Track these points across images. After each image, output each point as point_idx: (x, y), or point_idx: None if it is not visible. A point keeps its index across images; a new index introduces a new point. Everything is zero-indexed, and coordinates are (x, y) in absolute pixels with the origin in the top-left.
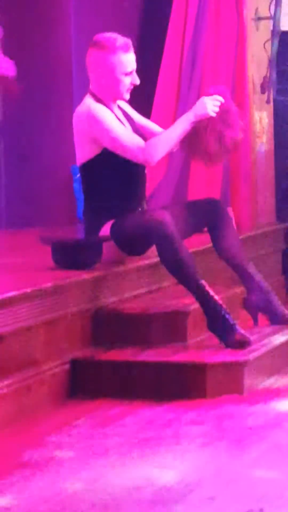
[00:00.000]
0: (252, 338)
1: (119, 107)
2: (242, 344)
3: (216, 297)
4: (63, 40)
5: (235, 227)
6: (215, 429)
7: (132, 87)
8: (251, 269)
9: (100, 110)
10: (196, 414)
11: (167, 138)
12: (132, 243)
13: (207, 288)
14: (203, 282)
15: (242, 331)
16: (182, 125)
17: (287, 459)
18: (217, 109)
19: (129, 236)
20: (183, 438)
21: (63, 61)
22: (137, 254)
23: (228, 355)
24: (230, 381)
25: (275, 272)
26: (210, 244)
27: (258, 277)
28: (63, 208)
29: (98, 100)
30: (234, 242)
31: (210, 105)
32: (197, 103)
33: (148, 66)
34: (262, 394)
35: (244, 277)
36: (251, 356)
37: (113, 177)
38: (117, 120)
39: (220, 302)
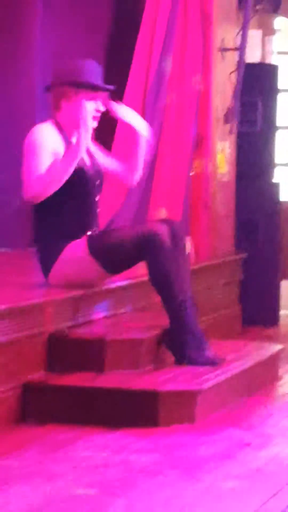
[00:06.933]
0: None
1: None
2: (214, 362)
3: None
4: (27, 71)
5: (194, 256)
6: (166, 458)
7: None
8: None
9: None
10: (147, 442)
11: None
12: (121, 258)
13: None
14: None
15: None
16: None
17: (238, 489)
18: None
19: (118, 249)
20: (133, 466)
21: (27, 86)
22: (123, 269)
23: (180, 384)
24: (182, 410)
25: (232, 302)
26: None
27: None
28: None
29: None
30: None
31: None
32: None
33: (111, 96)
34: (214, 424)
35: None
36: (204, 386)
37: (65, 198)
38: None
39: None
